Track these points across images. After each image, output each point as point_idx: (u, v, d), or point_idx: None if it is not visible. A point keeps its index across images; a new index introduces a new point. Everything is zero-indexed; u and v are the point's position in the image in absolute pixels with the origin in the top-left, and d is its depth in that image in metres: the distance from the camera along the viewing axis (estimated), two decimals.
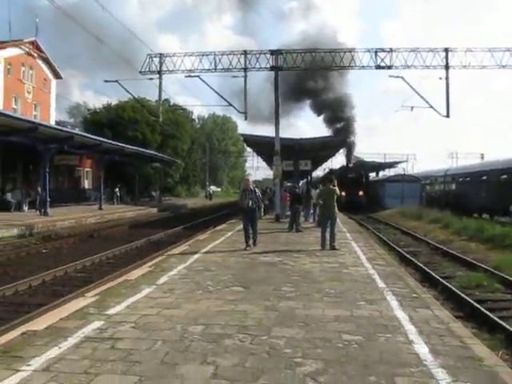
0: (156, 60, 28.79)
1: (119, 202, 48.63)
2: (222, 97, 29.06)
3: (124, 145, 41.71)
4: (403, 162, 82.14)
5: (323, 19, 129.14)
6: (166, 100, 55.09)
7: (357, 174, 52.20)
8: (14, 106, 42.92)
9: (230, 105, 29.20)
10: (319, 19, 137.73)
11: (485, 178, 37.12)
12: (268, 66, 28.32)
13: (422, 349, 5.73)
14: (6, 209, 31.50)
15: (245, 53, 28.25)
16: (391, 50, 28.13)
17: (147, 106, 50.70)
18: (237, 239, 17.36)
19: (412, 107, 30.15)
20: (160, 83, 29.14)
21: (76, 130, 40.41)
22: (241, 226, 17.76)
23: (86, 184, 54.79)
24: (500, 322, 8.75)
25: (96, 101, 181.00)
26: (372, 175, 66.85)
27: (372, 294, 8.71)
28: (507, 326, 8.42)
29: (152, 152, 53.33)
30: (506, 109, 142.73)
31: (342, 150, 48.41)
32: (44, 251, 18.62)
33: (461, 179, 43.15)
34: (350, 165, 54.82)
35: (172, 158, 61.73)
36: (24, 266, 15.26)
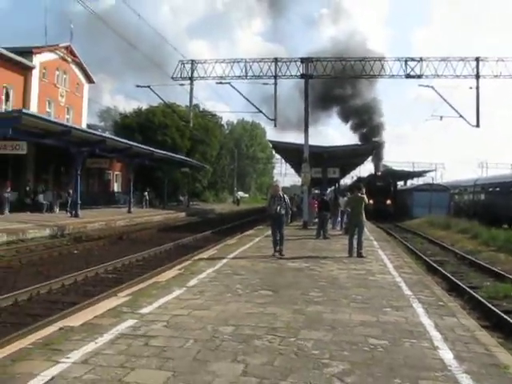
0: (188, 66, 29.24)
1: (148, 206, 49.12)
2: (252, 104, 29.38)
3: (154, 149, 42.19)
4: (432, 170, 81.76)
5: (353, 26, 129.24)
6: (196, 105, 55.61)
7: (385, 183, 52.08)
8: (48, 110, 43.66)
9: (260, 111, 29.47)
10: (349, 26, 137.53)
11: None
12: (298, 73, 28.52)
13: (446, 354, 5.85)
14: (38, 210, 32.08)
15: (275, 60, 28.53)
16: (421, 60, 28.17)
17: (177, 111, 51.21)
18: (265, 245, 17.53)
19: (441, 116, 30.13)
20: (191, 89, 29.56)
21: (106, 134, 40.95)
22: (269, 232, 17.89)
23: (116, 187, 55.51)
24: None
25: (126, 105, 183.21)
26: (400, 184, 66.52)
27: (398, 301, 8.83)
28: None
29: (181, 157, 53.79)
30: None
31: (370, 158, 48.26)
32: (75, 252, 19.02)
33: (490, 189, 42.75)
34: (379, 173, 54.75)
35: (201, 164, 62.21)
36: (56, 265, 15.63)
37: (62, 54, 45.28)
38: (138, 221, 34.13)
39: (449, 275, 15.56)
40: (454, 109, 28.44)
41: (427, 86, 28.45)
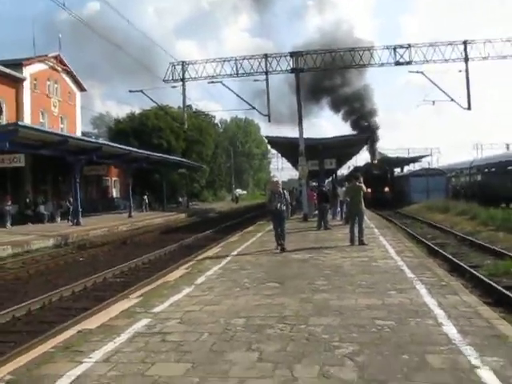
0: (178, 68, 29.40)
1: (148, 210, 49.36)
2: (246, 101, 29.63)
3: (150, 152, 42.49)
4: (427, 155, 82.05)
5: (339, 15, 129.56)
6: (189, 106, 55.84)
7: (382, 171, 52.37)
8: (42, 120, 43.81)
9: (253, 108, 29.72)
10: (335, 15, 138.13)
11: (511, 167, 37.07)
12: (288, 68, 28.73)
13: (450, 330, 6.12)
14: (40, 221, 32.38)
15: (265, 56, 28.70)
16: (410, 46, 28.34)
17: (170, 113, 51.42)
18: (267, 239, 17.75)
19: (433, 101, 30.40)
20: (184, 90, 29.75)
21: (101, 140, 41.20)
22: (270, 227, 18.18)
23: (115, 193, 55.73)
24: None
25: (118, 110, 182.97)
26: (397, 170, 66.78)
27: (402, 284, 9.10)
28: None
29: (178, 158, 54.08)
30: None
31: (365, 147, 48.52)
32: (81, 259, 19.25)
33: (486, 170, 43.06)
34: (375, 161, 55.01)
35: (197, 164, 62.48)
36: (64, 273, 15.88)
37: (51, 64, 45.43)
38: (139, 225, 34.36)
39: (450, 256, 15.81)
40: (445, 93, 28.70)
41: (417, 72, 28.70)
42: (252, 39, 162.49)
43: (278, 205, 15.11)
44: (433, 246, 18.68)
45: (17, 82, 40.46)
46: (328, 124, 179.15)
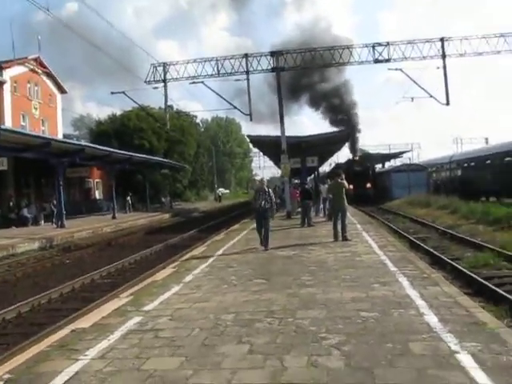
0: (160, 69, 29.52)
1: (131, 210, 49.34)
2: (227, 101, 29.88)
3: (133, 153, 42.51)
4: (408, 151, 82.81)
5: (317, 12, 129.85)
6: (170, 106, 55.86)
7: (363, 167, 52.70)
8: (22, 123, 43.66)
9: (235, 108, 29.95)
10: (313, 12, 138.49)
11: (489, 161, 37.66)
12: (269, 67, 28.96)
13: (432, 319, 6.42)
14: (24, 224, 32.32)
15: (246, 56, 28.91)
16: (388, 44, 28.72)
17: (152, 114, 51.43)
18: (252, 237, 17.95)
19: (412, 98, 30.81)
20: (165, 92, 29.90)
21: (82, 142, 41.17)
22: (254, 225, 18.29)
23: (97, 194, 55.59)
24: (505, 294, 9.39)
25: (99, 111, 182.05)
26: (378, 166, 67.25)
27: (385, 277, 9.40)
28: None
29: (160, 159, 54.11)
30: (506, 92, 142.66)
31: (346, 144, 48.85)
32: (67, 261, 19.28)
33: (466, 164, 43.65)
34: (356, 158, 55.33)
35: (180, 164, 62.53)
36: (51, 276, 15.97)
37: (31, 67, 45.31)
38: (123, 226, 34.39)
39: (431, 250, 16.13)
40: (424, 89, 29.13)
41: (396, 70, 29.00)
42: (231, 38, 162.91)
43: (263, 202, 15.18)
44: (415, 240, 18.99)
45: None
46: (309, 121, 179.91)
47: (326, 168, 76.63)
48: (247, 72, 28.77)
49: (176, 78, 29.48)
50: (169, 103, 32.84)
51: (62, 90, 51.43)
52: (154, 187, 60.91)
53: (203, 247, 17.63)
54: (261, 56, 29.11)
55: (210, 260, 13.52)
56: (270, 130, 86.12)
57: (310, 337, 6.00)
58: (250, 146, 71.79)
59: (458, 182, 43.89)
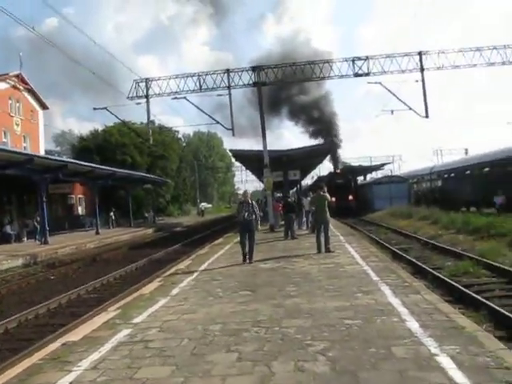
0: (142, 85, 29.74)
1: (114, 226, 49.27)
2: (210, 116, 30.27)
3: (116, 169, 42.57)
4: (389, 163, 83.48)
5: (297, 25, 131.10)
6: (152, 121, 56.00)
7: (345, 179, 53.11)
8: (4, 139, 43.66)
9: (218, 122, 30.19)
10: (293, 25, 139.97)
11: (468, 172, 38.21)
12: (251, 82, 29.29)
13: (413, 325, 6.67)
14: (7, 241, 32.22)
15: (227, 71, 29.24)
16: (367, 58, 29.21)
17: (134, 129, 51.54)
18: (236, 251, 17.98)
19: (392, 111, 31.23)
20: (148, 107, 30.11)
21: (64, 158, 41.20)
22: (238, 239, 18.29)
23: (80, 210, 55.40)
24: (484, 300, 9.70)
25: (79, 127, 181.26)
26: (360, 179, 67.79)
27: (367, 286, 9.64)
28: (490, 304, 9.37)
29: (142, 174, 54.13)
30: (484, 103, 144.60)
31: (328, 157, 49.24)
32: (52, 277, 19.27)
33: (446, 175, 44.23)
34: (338, 170, 55.77)
35: (163, 179, 62.57)
36: (37, 292, 15.98)
37: (13, 83, 45.31)
38: (107, 241, 34.40)
39: (413, 260, 16.45)
40: (403, 102, 29.60)
41: (376, 83, 29.45)
42: (212, 52, 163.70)
43: (246, 214, 15.22)
44: (397, 250, 19.30)
45: None
46: (290, 135, 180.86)
47: (308, 181, 77.10)
48: (229, 87, 29.08)
49: (158, 94, 29.76)
50: (151, 118, 32.99)
51: (43, 106, 51.50)
52: (137, 202, 60.90)
53: (188, 261, 17.75)
54: (242, 71, 29.46)
55: (196, 273, 13.66)
56: (251, 143, 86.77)
57: (296, 344, 6.21)
58: (233, 160, 72.04)
59: (438, 193, 44.46)
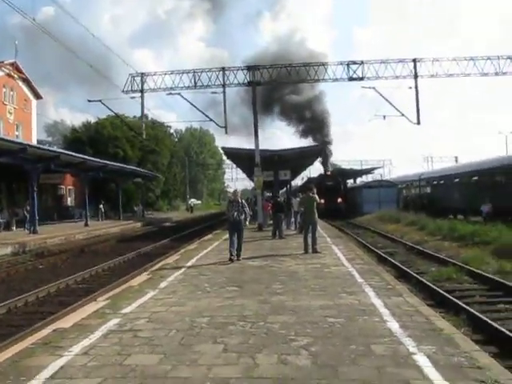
0: (138, 79, 29.88)
1: (103, 218, 49.34)
2: (203, 113, 30.33)
3: (107, 162, 42.64)
4: (380, 167, 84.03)
5: (294, 24, 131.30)
6: (145, 115, 56.02)
7: (335, 182, 53.41)
8: None
9: (211, 120, 30.36)
10: (290, 24, 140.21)
11: (457, 180, 38.61)
12: (245, 81, 29.49)
13: (393, 325, 6.94)
14: None
15: (223, 69, 29.44)
16: (362, 63, 29.50)
17: (127, 123, 51.60)
18: (224, 247, 18.10)
19: (384, 116, 31.48)
20: (142, 102, 30.23)
21: (55, 148, 41.20)
22: (226, 236, 18.63)
23: (69, 201, 55.42)
24: (464, 305, 10.01)
25: (71, 117, 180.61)
26: (350, 182, 68.15)
27: (351, 287, 9.91)
28: (470, 309, 9.68)
29: (134, 168, 54.19)
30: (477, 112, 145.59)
31: (318, 159, 49.43)
32: (41, 267, 19.41)
33: (435, 182, 44.61)
34: (328, 172, 56.02)
35: (153, 173, 62.65)
36: (26, 280, 16.12)
37: (7, 71, 45.25)
38: (96, 233, 34.56)
39: (398, 264, 16.77)
40: (396, 108, 29.86)
41: (369, 88, 29.74)
42: (207, 48, 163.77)
43: (235, 213, 15.29)
44: (382, 254, 19.61)
45: None
46: (282, 134, 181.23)
47: (298, 182, 77.35)
48: (224, 85, 29.26)
49: (153, 89, 29.90)
50: (145, 113, 33.11)
51: (37, 96, 51.42)
52: (127, 196, 60.98)
53: (177, 256, 17.94)
54: (237, 70, 29.67)
55: (184, 268, 13.87)
56: (242, 141, 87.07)
57: (280, 338, 6.46)
58: (224, 157, 72.10)
59: (426, 199, 44.83)
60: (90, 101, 31.34)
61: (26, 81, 48.83)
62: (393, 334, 6.48)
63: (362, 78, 29.63)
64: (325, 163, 57.27)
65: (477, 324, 8.85)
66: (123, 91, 29.68)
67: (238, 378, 5.16)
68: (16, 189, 41.00)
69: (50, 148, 36.58)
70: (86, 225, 39.41)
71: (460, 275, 14.06)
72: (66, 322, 8.01)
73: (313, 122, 55.91)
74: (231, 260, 14.83)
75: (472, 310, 9.59)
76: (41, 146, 34.38)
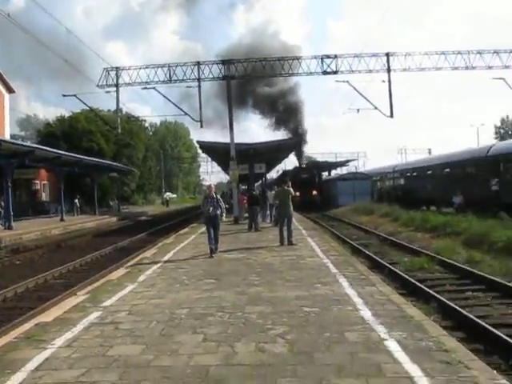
0: (112, 73, 29.85)
1: (79, 213, 49.12)
2: (179, 107, 30.43)
3: (82, 156, 42.46)
4: (354, 160, 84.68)
5: (268, 16, 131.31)
6: (120, 109, 55.83)
7: (310, 174, 53.80)
8: None
9: (186, 114, 30.47)
10: (264, 15, 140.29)
11: (430, 172, 39.18)
12: (220, 75, 29.65)
13: (366, 313, 7.23)
14: None
15: (198, 64, 29.55)
16: (336, 57, 29.85)
17: (102, 117, 51.37)
18: (201, 241, 18.36)
19: (358, 109, 31.89)
20: (117, 96, 30.26)
21: (29, 143, 40.89)
22: (203, 229, 18.93)
23: (44, 197, 54.99)
24: (434, 294, 10.35)
25: (45, 112, 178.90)
26: (325, 174, 68.59)
27: (326, 278, 10.21)
28: (440, 296, 10.02)
29: (109, 162, 53.97)
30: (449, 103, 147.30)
31: (293, 152, 49.68)
32: (18, 262, 19.39)
33: (408, 174, 45.19)
34: (303, 165, 56.37)
35: (129, 167, 62.45)
36: (3, 276, 16.04)
37: None
38: (72, 228, 34.47)
39: (371, 255, 17.13)
40: (369, 101, 30.36)
41: (343, 82, 30.10)
42: (181, 41, 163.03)
43: (211, 209, 15.25)
44: (357, 245, 19.95)
45: None
46: (257, 127, 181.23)
47: (273, 174, 77.69)
48: (199, 79, 29.39)
49: (128, 83, 29.97)
50: (119, 106, 33.08)
51: (9, 90, 50.80)
52: (102, 190, 60.71)
53: (154, 249, 18.09)
54: (212, 64, 29.82)
55: (162, 262, 14.06)
56: (217, 134, 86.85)
57: (257, 328, 6.71)
58: (199, 150, 72.05)
59: (400, 191, 45.37)
60: (64, 95, 31.30)
61: None
62: (365, 322, 6.77)
63: (336, 72, 30.02)
64: (300, 156, 57.62)
65: (446, 311, 9.20)
66: (98, 85, 29.68)
67: (218, 365, 5.38)
68: None
69: (25, 143, 36.26)
70: (62, 220, 39.29)
71: (432, 265, 14.44)
72: (48, 316, 8.16)
73: (286, 113, 56.08)
74: (212, 256, 14.74)
75: (442, 298, 9.94)
76: (15, 141, 34.18)
